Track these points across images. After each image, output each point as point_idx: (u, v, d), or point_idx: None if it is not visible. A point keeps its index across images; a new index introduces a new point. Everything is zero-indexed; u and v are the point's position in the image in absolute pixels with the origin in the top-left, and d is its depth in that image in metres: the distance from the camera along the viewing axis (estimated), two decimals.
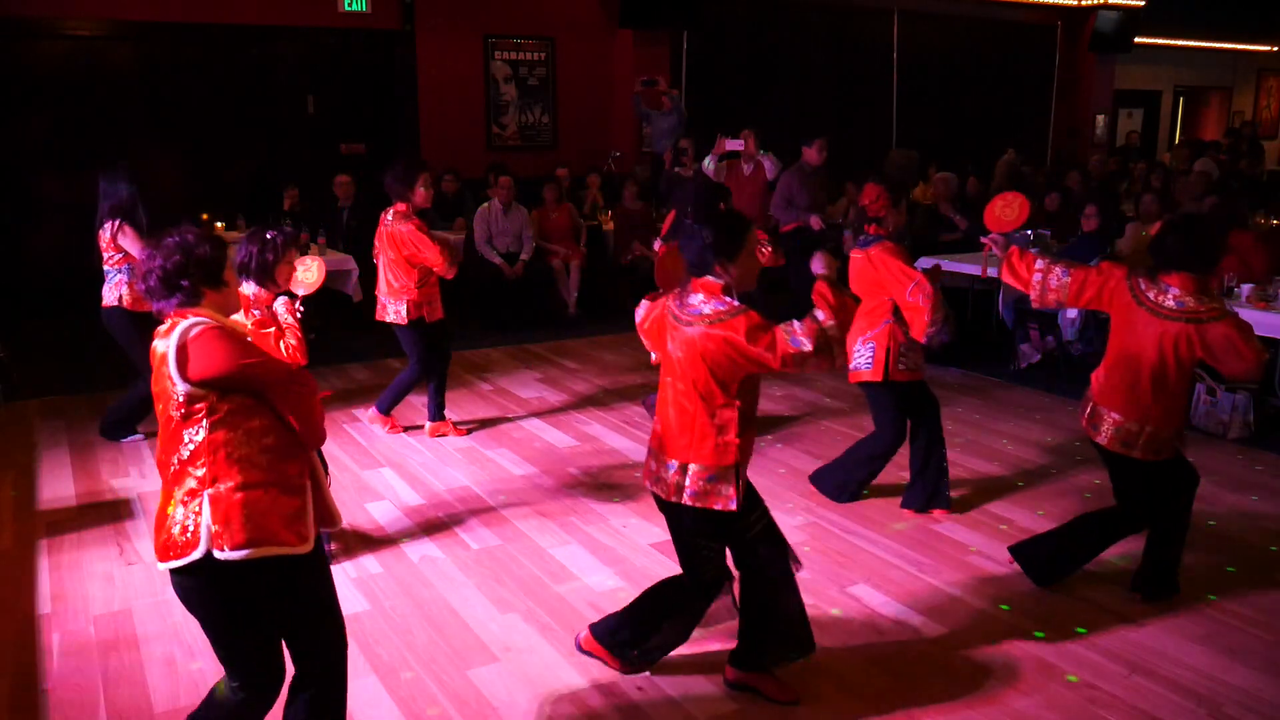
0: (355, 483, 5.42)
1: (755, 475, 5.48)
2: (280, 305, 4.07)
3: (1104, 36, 14.55)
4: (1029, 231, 7.93)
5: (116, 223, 5.81)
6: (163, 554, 2.57)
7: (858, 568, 4.43)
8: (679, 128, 10.56)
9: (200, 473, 2.51)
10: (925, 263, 8.05)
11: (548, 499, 5.20)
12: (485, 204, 9.09)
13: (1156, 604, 4.08)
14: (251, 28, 9.68)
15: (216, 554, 2.49)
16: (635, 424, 6.41)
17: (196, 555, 2.49)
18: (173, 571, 2.57)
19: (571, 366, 7.87)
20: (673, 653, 3.72)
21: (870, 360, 4.80)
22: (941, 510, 4.97)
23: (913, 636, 3.85)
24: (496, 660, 3.68)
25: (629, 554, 4.53)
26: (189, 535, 2.50)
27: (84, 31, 9.19)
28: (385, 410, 6.26)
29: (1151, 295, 3.83)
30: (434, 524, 4.89)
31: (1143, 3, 14.61)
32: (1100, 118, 15.25)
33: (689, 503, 3.22)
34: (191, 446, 2.51)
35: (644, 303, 3.53)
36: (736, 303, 3.17)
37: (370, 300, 6.23)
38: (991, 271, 4.77)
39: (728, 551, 3.45)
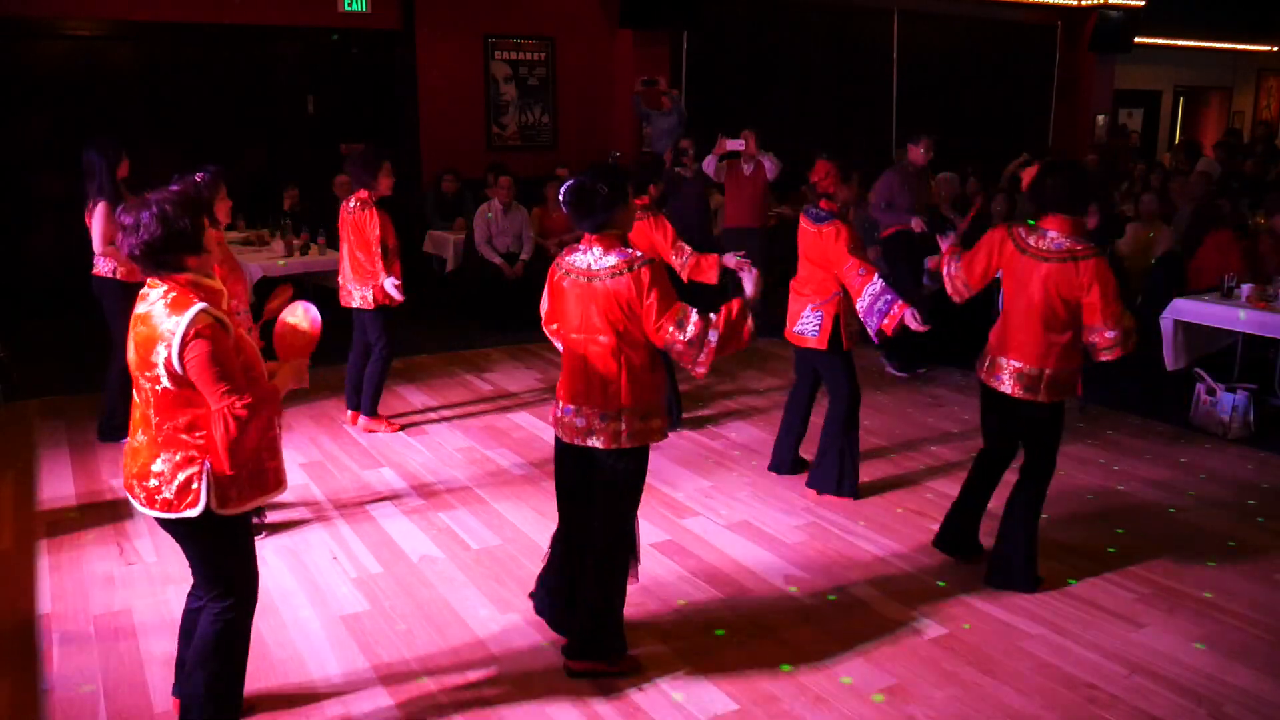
0: (355, 482, 5.42)
1: (755, 476, 5.49)
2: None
3: (1104, 36, 14.54)
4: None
5: (92, 202, 5.84)
6: (150, 503, 2.84)
7: (858, 568, 4.43)
8: (679, 128, 10.55)
9: (200, 441, 2.80)
10: (925, 262, 8.07)
11: (548, 499, 5.19)
12: (485, 204, 9.09)
13: (1016, 592, 4.08)
14: (251, 28, 9.68)
15: (217, 511, 2.82)
16: None
17: (195, 513, 2.81)
18: (166, 521, 2.87)
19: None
20: (672, 653, 3.72)
21: (817, 328, 4.99)
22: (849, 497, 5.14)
23: (912, 636, 3.85)
24: (496, 660, 3.68)
25: None
26: (190, 496, 2.80)
27: (84, 31, 9.19)
28: (372, 411, 6.26)
29: (1032, 241, 3.99)
30: (434, 524, 4.89)
31: (1143, 3, 14.60)
32: (1100, 118, 15.25)
33: (628, 445, 3.39)
34: (188, 418, 2.78)
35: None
36: (637, 253, 3.36)
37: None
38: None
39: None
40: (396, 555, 4.54)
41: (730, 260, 5.14)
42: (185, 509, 2.80)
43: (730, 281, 6.51)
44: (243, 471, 2.84)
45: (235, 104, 9.80)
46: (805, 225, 5.06)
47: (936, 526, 4.83)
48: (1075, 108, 15.20)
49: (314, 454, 5.85)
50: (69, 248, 8.98)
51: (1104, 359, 3.98)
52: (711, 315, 3.36)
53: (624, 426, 3.39)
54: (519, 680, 3.56)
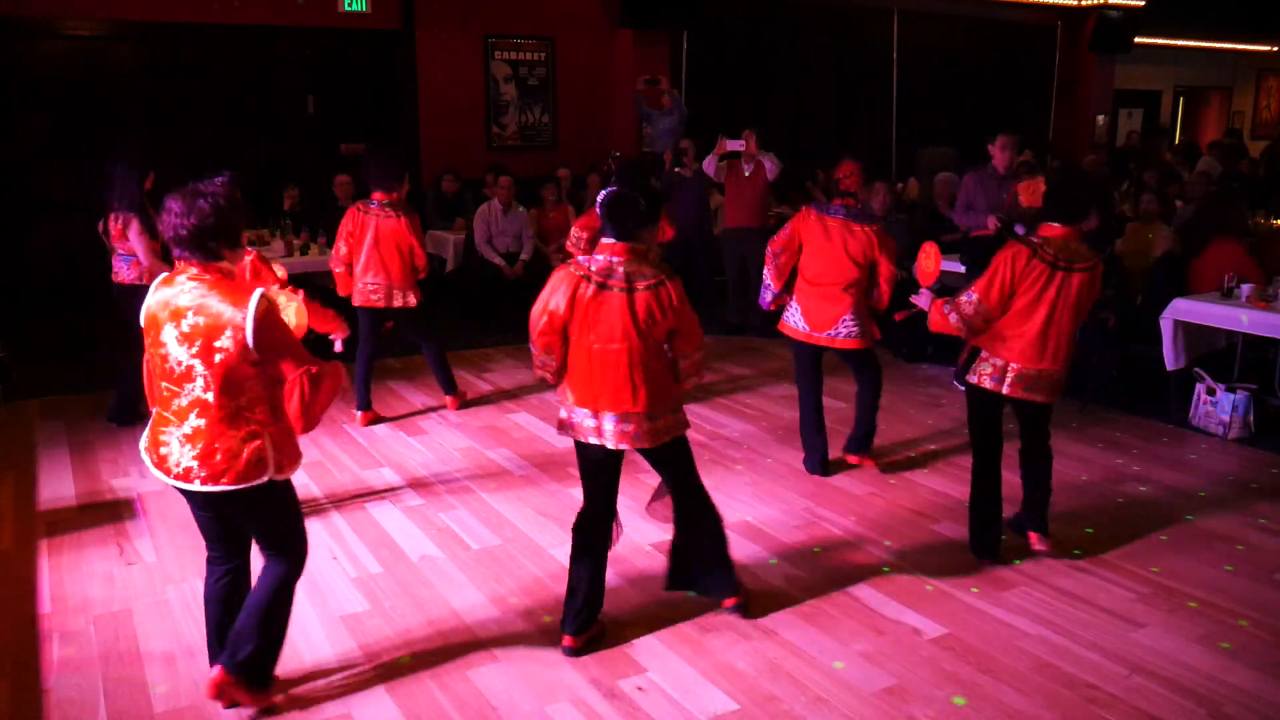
0: (355, 482, 5.42)
1: (755, 476, 5.50)
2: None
3: (1104, 36, 14.53)
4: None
5: (123, 217, 5.87)
6: (216, 479, 3.07)
7: (858, 568, 4.43)
8: (679, 128, 10.55)
9: (260, 417, 3.09)
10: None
11: (548, 499, 5.20)
12: (485, 204, 9.09)
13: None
14: (251, 28, 9.68)
15: (277, 478, 3.15)
16: None
17: (263, 480, 3.11)
18: (237, 493, 3.12)
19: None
20: (672, 653, 3.72)
21: (859, 332, 5.25)
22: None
23: (911, 636, 3.85)
24: (496, 660, 3.69)
25: (629, 554, 4.53)
26: (259, 467, 3.09)
27: (84, 31, 9.19)
28: (452, 389, 6.68)
29: (1054, 255, 4.11)
30: (434, 523, 4.89)
31: (1143, 3, 14.60)
32: (1100, 118, 15.24)
33: (666, 439, 3.63)
34: (249, 395, 3.07)
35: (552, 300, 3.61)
36: (660, 270, 3.53)
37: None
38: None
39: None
40: (396, 555, 4.54)
41: None
42: (255, 479, 3.09)
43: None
44: (291, 439, 3.19)
45: (235, 104, 9.80)
46: (832, 222, 5.16)
47: (937, 526, 4.84)
48: (1075, 108, 15.19)
49: (314, 454, 5.85)
50: (69, 248, 8.99)
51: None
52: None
53: (659, 426, 3.59)
54: (519, 679, 3.56)
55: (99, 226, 6.09)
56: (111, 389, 6.35)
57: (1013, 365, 4.22)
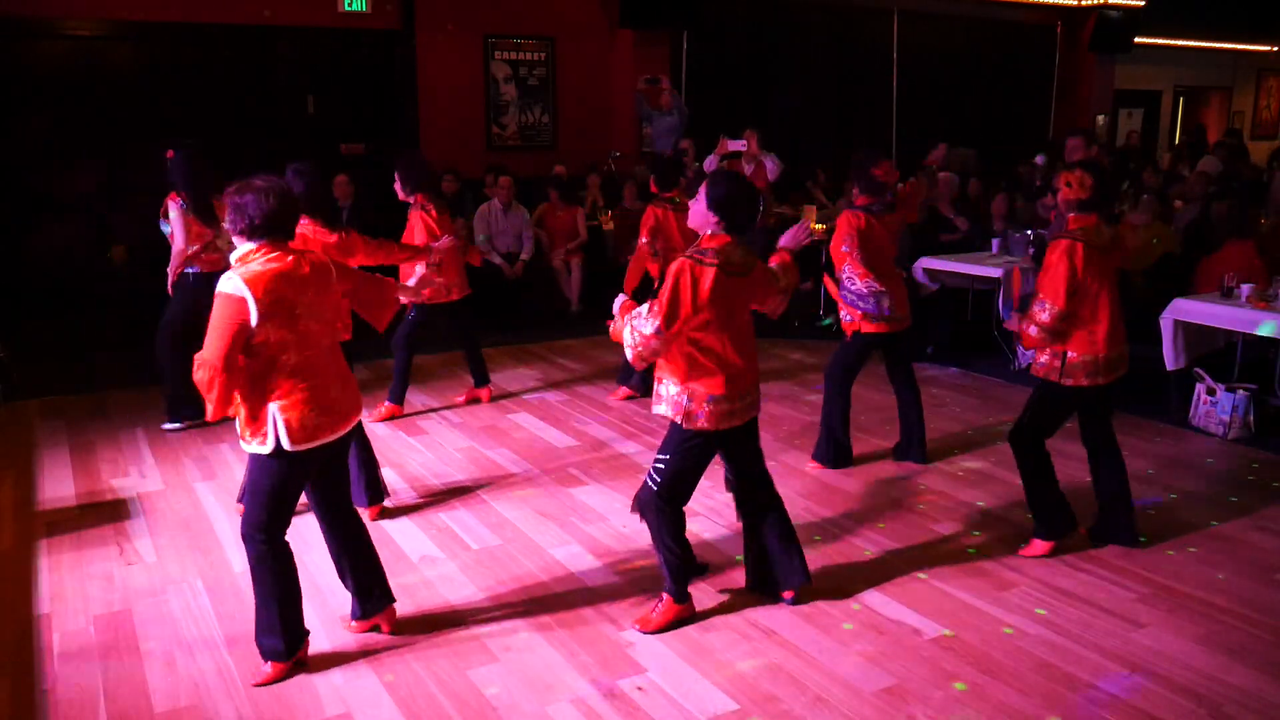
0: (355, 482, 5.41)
1: None
2: None
3: (1104, 36, 14.53)
4: (1029, 231, 7.92)
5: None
6: (355, 418, 3.66)
7: (858, 568, 4.42)
8: (679, 128, 10.56)
9: (270, 392, 3.40)
10: (926, 262, 8.08)
11: (548, 499, 5.20)
12: (485, 204, 9.09)
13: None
14: (251, 28, 9.68)
15: (290, 449, 3.39)
16: (635, 424, 6.41)
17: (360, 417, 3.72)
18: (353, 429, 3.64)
19: (571, 366, 7.87)
20: (672, 653, 3.72)
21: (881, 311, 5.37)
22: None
23: (911, 636, 3.85)
24: (496, 660, 3.68)
25: (629, 554, 4.53)
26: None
27: (84, 31, 9.19)
28: (485, 381, 6.87)
29: (1095, 238, 4.29)
30: (434, 523, 4.89)
31: (1143, 3, 14.60)
32: (1100, 118, 15.24)
33: (757, 411, 3.93)
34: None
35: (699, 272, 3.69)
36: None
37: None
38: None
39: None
40: (396, 555, 4.54)
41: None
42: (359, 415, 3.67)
43: None
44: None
45: (235, 104, 9.80)
46: (874, 222, 5.33)
47: (938, 526, 4.84)
48: (1075, 108, 15.19)
49: None
50: (69, 248, 9.00)
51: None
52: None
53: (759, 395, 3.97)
54: (519, 680, 3.56)
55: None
56: (111, 390, 6.34)
57: (1097, 355, 4.41)
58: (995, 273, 7.47)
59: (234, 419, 3.39)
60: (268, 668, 3.53)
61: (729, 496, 5.20)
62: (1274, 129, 19.44)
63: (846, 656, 3.70)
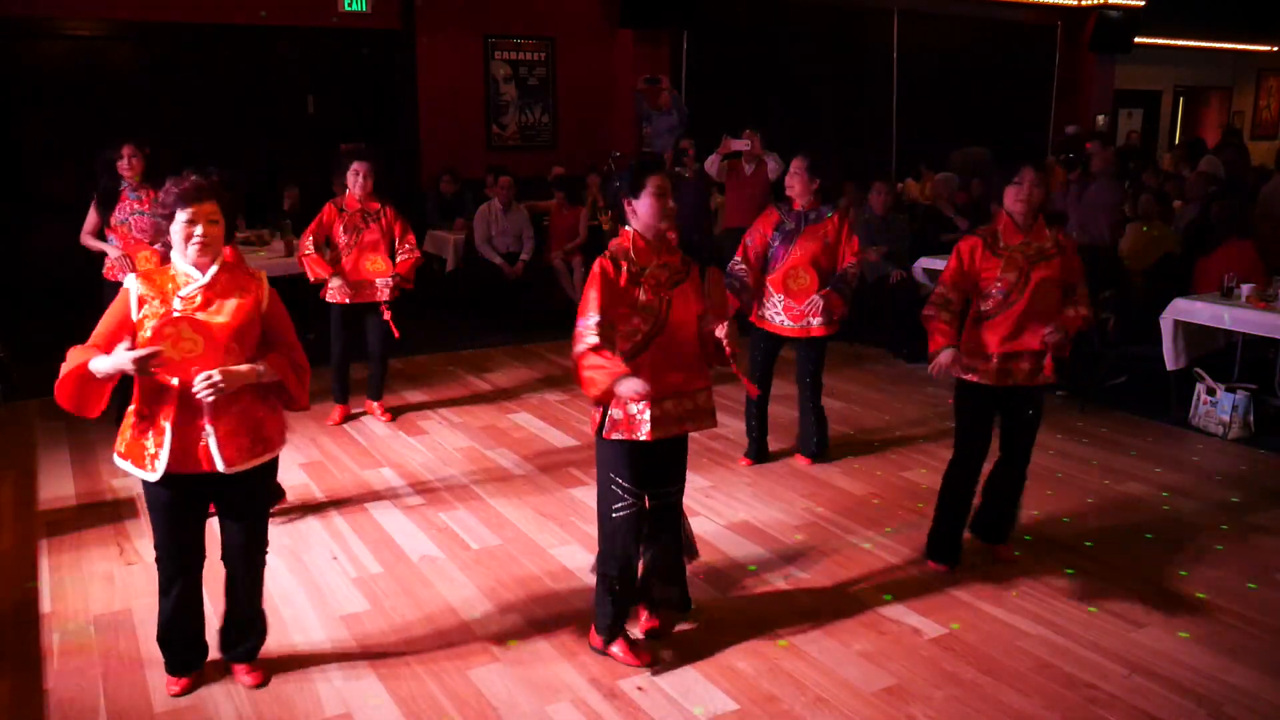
0: (355, 482, 5.42)
1: (755, 476, 5.49)
2: None
3: (1104, 36, 14.52)
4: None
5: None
6: (255, 454, 3.31)
7: (858, 568, 4.43)
8: (679, 128, 10.55)
9: (204, 406, 3.20)
10: (926, 262, 8.08)
11: (548, 499, 5.20)
12: (485, 204, 9.09)
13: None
14: (251, 28, 9.68)
15: (226, 471, 3.25)
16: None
17: (278, 450, 3.43)
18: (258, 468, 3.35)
19: (571, 366, 7.86)
20: (672, 653, 3.72)
21: (824, 319, 5.33)
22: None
23: (911, 636, 3.85)
24: (496, 660, 3.68)
25: None
26: (272, 438, 3.36)
27: (84, 31, 9.19)
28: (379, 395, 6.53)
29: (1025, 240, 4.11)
30: (434, 524, 4.89)
31: (1143, 3, 14.60)
32: (1100, 118, 15.24)
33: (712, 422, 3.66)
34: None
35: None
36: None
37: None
38: None
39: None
40: (396, 555, 4.54)
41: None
42: (275, 449, 3.37)
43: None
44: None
45: (235, 104, 9.80)
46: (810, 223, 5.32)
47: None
48: (1075, 108, 15.18)
49: (314, 454, 5.85)
50: (69, 248, 8.98)
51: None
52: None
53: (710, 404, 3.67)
54: (519, 680, 3.56)
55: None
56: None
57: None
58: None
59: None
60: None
61: (727, 495, 5.21)
62: (1274, 129, 19.43)
63: (846, 656, 3.70)
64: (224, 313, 3.16)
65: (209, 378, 3.07)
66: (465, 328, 8.95)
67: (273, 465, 3.44)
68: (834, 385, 7.25)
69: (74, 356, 3.14)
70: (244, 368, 3.17)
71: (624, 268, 3.50)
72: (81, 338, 3.27)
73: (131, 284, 3.18)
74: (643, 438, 3.50)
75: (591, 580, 3.82)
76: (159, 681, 3.53)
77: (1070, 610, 4.04)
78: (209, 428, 3.16)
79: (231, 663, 3.58)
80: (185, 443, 3.17)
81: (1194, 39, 16.96)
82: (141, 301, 3.15)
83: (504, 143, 11.05)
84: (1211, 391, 6.24)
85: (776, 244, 5.38)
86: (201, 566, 3.47)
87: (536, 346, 8.42)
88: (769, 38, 12.58)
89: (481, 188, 9.54)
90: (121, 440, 3.25)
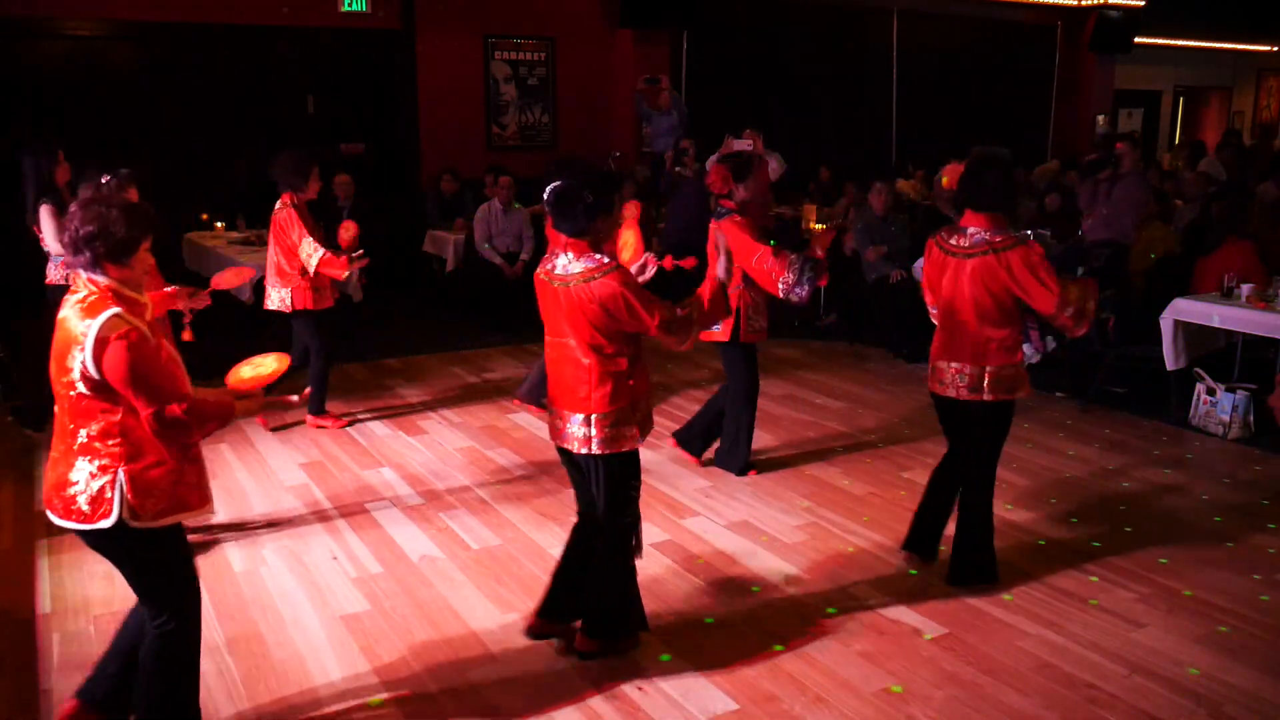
0: (355, 482, 5.42)
1: (755, 476, 5.49)
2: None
3: (1104, 36, 14.52)
4: (1029, 231, 7.92)
5: (41, 206, 5.86)
6: (67, 514, 2.81)
7: (858, 567, 4.42)
8: (679, 128, 10.55)
9: (115, 449, 2.77)
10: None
11: (548, 499, 5.20)
12: (485, 204, 9.10)
13: (981, 585, 4.07)
14: (252, 28, 9.68)
15: (131, 523, 2.78)
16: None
17: (108, 524, 2.77)
18: (84, 532, 2.83)
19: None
20: (672, 653, 3.72)
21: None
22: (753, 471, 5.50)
23: (911, 636, 3.85)
24: (496, 660, 3.68)
25: None
26: (103, 506, 2.76)
27: (84, 31, 9.19)
28: (320, 410, 6.29)
29: (954, 241, 4.00)
30: (434, 524, 4.89)
31: (1143, 3, 14.60)
32: (1100, 118, 15.24)
33: (599, 451, 3.43)
34: (103, 424, 2.77)
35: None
36: (607, 259, 3.36)
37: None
38: None
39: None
40: (396, 555, 4.54)
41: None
42: (99, 519, 2.76)
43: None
44: (163, 483, 2.80)
45: (235, 104, 9.80)
46: (712, 224, 5.19)
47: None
48: (1075, 108, 15.19)
49: (314, 454, 5.85)
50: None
51: (1079, 334, 3.99)
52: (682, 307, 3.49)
53: (594, 432, 3.43)
54: (519, 680, 3.56)
55: (34, 228, 6.09)
56: None
57: (953, 364, 4.13)
58: None
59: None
60: None
61: (727, 495, 5.21)
62: (1274, 129, 19.43)
63: (846, 656, 3.70)
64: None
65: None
66: (465, 328, 8.94)
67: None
68: (834, 385, 7.27)
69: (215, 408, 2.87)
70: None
71: None
72: None
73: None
74: (639, 444, 3.55)
75: None
76: None
77: (1070, 610, 4.04)
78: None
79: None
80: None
81: (1194, 39, 16.96)
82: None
83: (504, 143, 11.06)
84: (1211, 391, 6.23)
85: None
86: None
87: (536, 346, 8.41)
88: (769, 38, 12.58)
89: (481, 188, 9.54)
90: (147, 495, 2.79)
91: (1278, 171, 9.90)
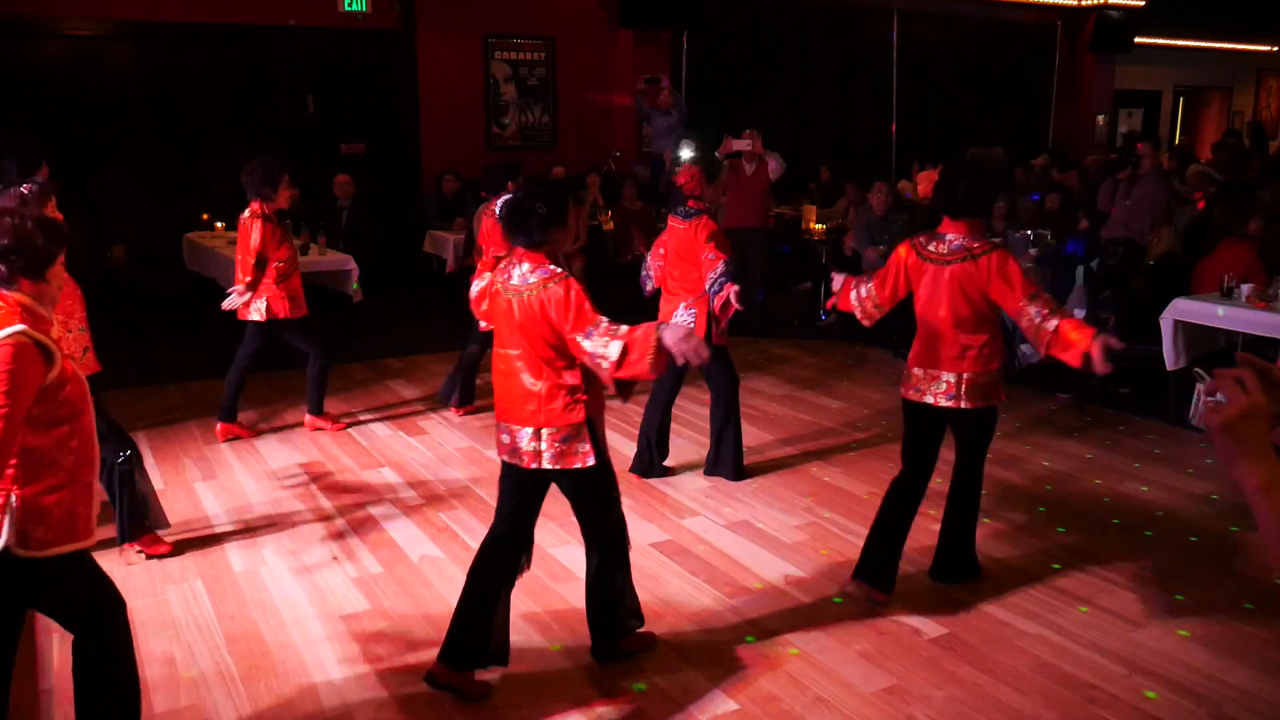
0: (355, 482, 5.42)
1: (755, 476, 5.49)
2: None
3: (1104, 36, 14.53)
4: (1029, 231, 7.92)
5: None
6: None
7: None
8: (679, 127, 10.55)
9: (10, 470, 2.60)
10: None
11: (548, 499, 5.18)
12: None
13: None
14: (252, 28, 9.68)
15: (19, 552, 2.61)
16: (634, 423, 6.40)
17: None
18: None
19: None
20: (672, 653, 3.72)
21: (691, 325, 5.03)
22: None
23: (911, 636, 3.85)
24: None
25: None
26: None
27: (84, 31, 9.19)
28: (319, 410, 6.28)
29: (933, 248, 3.98)
30: (434, 524, 4.89)
31: (1143, 3, 14.60)
32: (1100, 118, 15.24)
33: (550, 465, 3.34)
34: None
35: (474, 284, 3.70)
36: (559, 269, 3.29)
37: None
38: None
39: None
40: (396, 555, 4.54)
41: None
42: None
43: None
44: (54, 513, 2.65)
45: (235, 104, 9.80)
46: (674, 224, 5.19)
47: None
48: (1075, 108, 15.20)
49: (314, 454, 5.85)
50: (69, 248, 8.99)
51: (1056, 352, 3.81)
52: (623, 329, 3.19)
53: (544, 447, 3.34)
54: (519, 680, 3.56)
55: None
56: (107, 388, 6.32)
57: (929, 371, 4.06)
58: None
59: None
60: None
61: (727, 495, 5.21)
62: (1274, 129, 19.44)
63: (846, 656, 3.70)
64: None
65: None
66: (465, 328, 8.92)
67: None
68: (835, 385, 7.27)
69: None
70: None
71: None
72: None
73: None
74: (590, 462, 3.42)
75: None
76: (159, 681, 3.53)
77: (1070, 610, 4.04)
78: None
79: None
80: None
81: (1194, 39, 16.97)
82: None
83: (504, 143, 11.06)
84: (1212, 392, 6.22)
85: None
86: None
87: None
88: (769, 38, 12.59)
89: (481, 188, 9.53)
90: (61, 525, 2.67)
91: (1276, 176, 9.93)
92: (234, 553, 4.54)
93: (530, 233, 3.27)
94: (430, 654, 3.71)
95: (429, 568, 4.42)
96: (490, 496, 5.22)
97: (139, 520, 4.44)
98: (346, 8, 9.86)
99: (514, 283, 3.31)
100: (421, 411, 6.69)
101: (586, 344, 3.17)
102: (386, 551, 4.58)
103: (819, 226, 9.61)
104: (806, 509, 5.06)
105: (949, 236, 3.95)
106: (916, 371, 4.06)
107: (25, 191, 3.91)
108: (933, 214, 9.43)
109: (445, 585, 4.26)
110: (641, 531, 4.72)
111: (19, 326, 2.57)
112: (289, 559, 4.49)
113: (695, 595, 4.17)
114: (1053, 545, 4.63)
